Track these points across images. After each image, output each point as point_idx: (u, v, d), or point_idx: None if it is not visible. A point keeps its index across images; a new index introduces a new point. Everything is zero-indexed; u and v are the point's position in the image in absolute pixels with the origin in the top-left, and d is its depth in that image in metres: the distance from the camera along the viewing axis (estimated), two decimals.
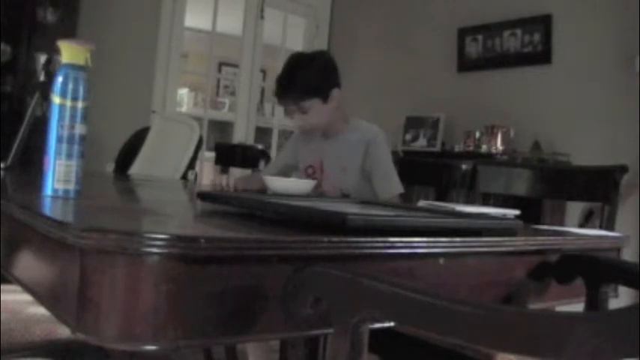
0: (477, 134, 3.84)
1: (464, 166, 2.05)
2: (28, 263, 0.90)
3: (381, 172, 1.87)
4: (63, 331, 1.28)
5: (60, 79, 1.07)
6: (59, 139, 1.06)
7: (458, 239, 0.90)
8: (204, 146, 3.92)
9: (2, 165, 1.80)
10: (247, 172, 2.47)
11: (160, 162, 2.68)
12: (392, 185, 1.86)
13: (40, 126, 1.24)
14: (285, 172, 2.04)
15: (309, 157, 2.00)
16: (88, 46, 1.09)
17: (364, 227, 0.82)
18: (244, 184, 1.89)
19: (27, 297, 1.13)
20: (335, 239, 0.76)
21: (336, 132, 1.94)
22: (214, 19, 4.74)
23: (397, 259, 0.84)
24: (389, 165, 1.90)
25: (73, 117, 1.07)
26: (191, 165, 2.69)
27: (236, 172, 2.69)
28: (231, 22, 4.88)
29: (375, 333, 0.70)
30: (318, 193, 1.86)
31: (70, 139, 1.06)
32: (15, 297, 1.41)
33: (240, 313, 0.70)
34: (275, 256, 0.72)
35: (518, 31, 3.84)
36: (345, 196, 1.85)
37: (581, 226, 1.90)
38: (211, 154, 3.29)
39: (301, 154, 2.04)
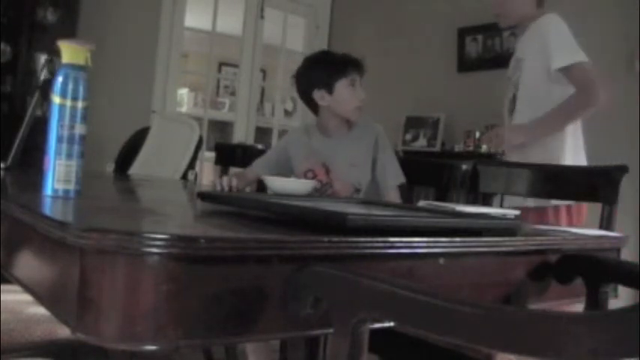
0: (477, 134, 3.84)
1: (464, 166, 2.06)
2: (28, 263, 0.90)
3: (387, 161, 1.96)
4: (63, 331, 1.28)
5: (60, 79, 1.07)
6: (59, 139, 1.06)
7: (458, 239, 0.90)
8: (204, 146, 3.92)
9: (2, 165, 1.80)
10: None
11: (160, 162, 2.68)
12: (396, 175, 1.95)
13: (40, 126, 1.24)
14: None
15: (307, 161, 2.01)
16: (88, 46, 1.09)
17: (364, 227, 0.82)
18: (237, 182, 1.88)
19: (27, 297, 1.13)
20: (335, 239, 0.76)
21: (345, 129, 2.00)
22: (214, 19, 4.74)
23: (397, 259, 0.84)
24: (393, 155, 1.99)
25: (73, 117, 1.07)
26: (191, 165, 2.69)
27: (237, 172, 2.69)
28: (231, 22, 4.88)
29: (375, 333, 0.70)
30: (328, 194, 1.91)
31: (70, 139, 1.06)
32: (15, 297, 1.41)
33: (240, 313, 0.70)
34: (275, 256, 0.72)
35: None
36: (357, 191, 1.93)
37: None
38: (211, 154, 3.29)
39: (296, 159, 2.04)
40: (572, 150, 2.20)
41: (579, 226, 2.07)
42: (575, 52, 2.12)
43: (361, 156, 1.96)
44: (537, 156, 2.12)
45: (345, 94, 1.94)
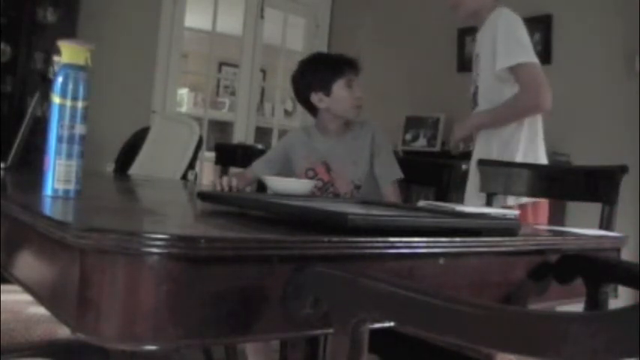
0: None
1: (464, 166, 2.06)
2: (28, 263, 0.90)
3: (385, 157, 1.99)
4: (63, 331, 1.28)
5: (60, 79, 1.07)
6: (59, 139, 1.06)
7: (458, 239, 0.90)
8: (204, 146, 3.92)
9: (2, 165, 1.80)
10: None
11: (160, 162, 2.68)
12: (394, 170, 1.98)
13: (40, 126, 1.24)
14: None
15: (307, 160, 2.03)
16: (88, 46, 1.09)
17: (364, 227, 0.82)
18: (237, 182, 1.89)
19: (27, 297, 1.13)
20: (335, 239, 0.76)
21: (343, 129, 2.02)
22: (214, 19, 4.74)
23: (397, 259, 0.84)
24: (390, 151, 2.03)
25: (73, 117, 1.07)
26: (191, 165, 2.69)
27: (236, 173, 2.69)
28: (231, 22, 4.88)
29: (375, 333, 0.70)
30: (330, 192, 1.93)
31: (70, 139, 1.06)
32: (15, 297, 1.41)
33: (240, 313, 0.70)
34: (275, 256, 0.72)
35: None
36: (356, 188, 1.96)
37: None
38: (211, 154, 3.29)
39: (296, 159, 2.06)
40: (528, 142, 2.13)
41: (543, 222, 2.07)
42: (520, 53, 2.03)
43: (360, 153, 1.98)
44: (495, 148, 2.13)
45: (342, 95, 1.96)
